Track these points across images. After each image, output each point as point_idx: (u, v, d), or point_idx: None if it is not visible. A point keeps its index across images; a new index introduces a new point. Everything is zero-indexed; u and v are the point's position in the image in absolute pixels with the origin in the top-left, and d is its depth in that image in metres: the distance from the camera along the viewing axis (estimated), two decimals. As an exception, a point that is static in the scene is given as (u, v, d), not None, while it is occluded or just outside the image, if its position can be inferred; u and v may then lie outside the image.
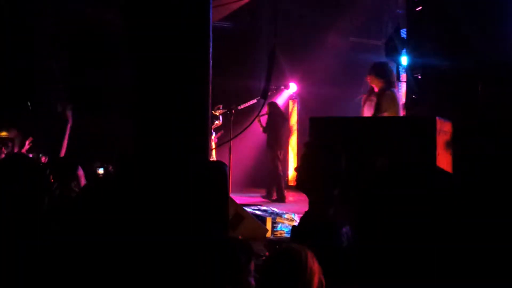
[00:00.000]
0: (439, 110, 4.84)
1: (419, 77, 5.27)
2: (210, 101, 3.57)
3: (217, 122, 9.16)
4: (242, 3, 8.78)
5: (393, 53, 5.59)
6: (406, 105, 5.53)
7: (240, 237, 6.19)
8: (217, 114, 9.12)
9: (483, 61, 4.89)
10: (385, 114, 5.74)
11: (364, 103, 6.05)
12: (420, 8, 5.43)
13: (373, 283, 3.25)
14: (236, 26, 11.77)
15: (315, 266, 2.67)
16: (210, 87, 3.57)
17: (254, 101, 8.99)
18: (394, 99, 5.75)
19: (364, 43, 11.47)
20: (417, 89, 5.32)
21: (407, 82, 5.50)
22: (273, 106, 9.82)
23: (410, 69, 5.46)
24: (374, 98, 5.83)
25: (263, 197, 9.82)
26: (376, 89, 5.90)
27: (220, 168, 3.39)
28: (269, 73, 5.72)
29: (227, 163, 8.87)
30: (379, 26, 11.07)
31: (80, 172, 4.63)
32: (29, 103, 9.41)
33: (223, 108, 9.12)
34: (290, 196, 9.87)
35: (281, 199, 9.60)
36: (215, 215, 3.25)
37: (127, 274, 3.19)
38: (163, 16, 3.46)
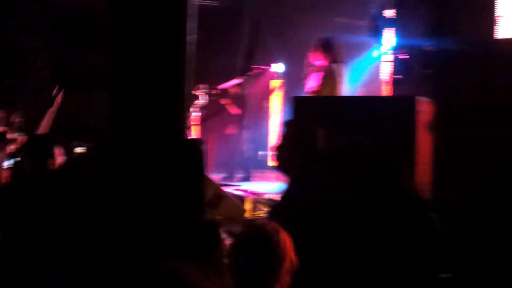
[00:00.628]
0: (424, 91, 4.81)
1: (406, 57, 5.23)
2: (185, 80, 3.52)
3: (202, 101, 9.07)
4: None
5: (376, 33, 5.54)
6: (392, 85, 5.50)
7: (218, 217, 6.19)
8: (197, 94, 9.03)
9: (467, 41, 4.86)
10: (322, 88, 5.87)
11: (309, 77, 6.17)
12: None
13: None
14: (222, 5, 11.64)
15: (287, 245, 2.62)
16: (185, 68, 3.53)
17: (240, 80, 8.90)
18: (333, 74, 5.87)
19: (349, 24, 11.40)
20: (402, 69, 5.28)
21: (394, 62, 5.46)
22: (242, 86, 9.67)
23: (396, 49, 5.41)
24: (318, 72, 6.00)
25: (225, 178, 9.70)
26: (319, 64, 6.03)
27: (196, 146, 3.34)
28: (250, 51, 5.68)
29: (208, 143, 8.85)
30: (364, 6, 11.01)
31: (57, 151, 4.56)
32: (8, 82, 9.28)
33: (205, 88, 9.03)
34: (270, 175, 9.82)
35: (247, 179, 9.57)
36: (189, 193, 3.21)
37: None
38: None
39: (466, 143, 4.67)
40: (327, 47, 6.26)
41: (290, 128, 3.53)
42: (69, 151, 5.23)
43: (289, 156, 3.49)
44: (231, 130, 9.65)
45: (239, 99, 9.55)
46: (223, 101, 9.28)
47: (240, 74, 8.85)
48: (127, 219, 3.16)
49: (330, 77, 5.97)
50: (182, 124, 3.51)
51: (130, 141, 3.28)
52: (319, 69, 6.15)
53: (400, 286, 3.05)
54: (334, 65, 6.09)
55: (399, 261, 3.08)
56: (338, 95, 5.97)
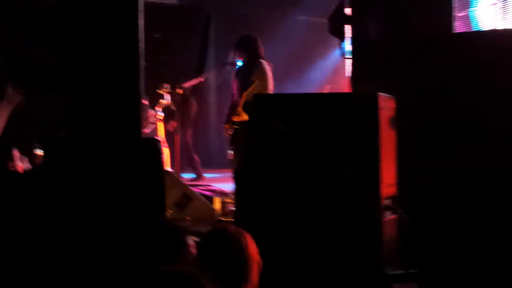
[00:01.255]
0: (384, 87, 4.84)
1: (363, 53, 5.26)
2: (140, 81, 3.47)
3: (163, 101, 9.00)
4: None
5: (336, 29, 5.56)
6: (351, 82, 5.53)
7: (187, 217, 6.15)
8: (162, 93, 8.96)
9: (424, 35, 4.90)
10: (258, 87, 5.94)
11: (235, 77, 6.27)
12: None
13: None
14: (183, 3, 11.58)
15: (252, 247, 2.62)
16: (140, 67, 3.48)
17: (201, 79, 8.85)
18: (263, 69, 5.98)
19: (313, 21, 11.44)
20: (361, 65, 5.31)
21: (352, 58, 5.48)
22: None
23: (354, 45, 5.44)
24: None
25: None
26: (242, 62, 6.12)
27: (152, 146, 3.30)
28: (203, 48, 5.67)
29: (173, 143, 8.80)
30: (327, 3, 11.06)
31: (16, 153, 4.49)
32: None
33: (169, 87, 8.96)
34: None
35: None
36: (148, 194, 3.18)
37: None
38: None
39: (428, 138, 4.72)
40: (247, 44, 6.35)
41: (243, 128, 3.53)
42: (29, 153, 5.16)
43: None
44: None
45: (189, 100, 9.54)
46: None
47: (199, 72, 8.82)
48: (83, 224, 3.12)
49: (263, 73, 6.10)
50: (137, 124, 3.47)
51: (84, 143, 3.24)
52: (246, 66, 6.28)
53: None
54: (262, 61, 6.19)
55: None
56: (270, 91, 6.10)
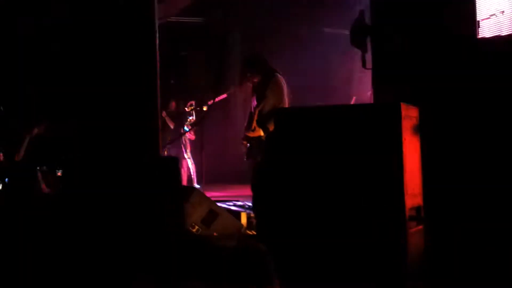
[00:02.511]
0: (406, 96, 4.79)
1: (385, 63, 5.22)
2: (158, 100, 3.51)
3: (190, 118, 9.07)
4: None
5: (358, 40, 5.54)
6: (374, 92, 5.49)
7: (214, 233, 6.16)
8: (189, 110, 9.04)
9: (448, 43, 4.86)
10: (270, 101, 6.00)
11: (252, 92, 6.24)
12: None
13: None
14: (208, 21, 11.68)
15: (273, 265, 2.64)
16: (158, 86, 3.52)
17: (224, 95, 8.91)
18: (276, 83, 5.94)
19: (337, 33, 11.43)
20: (383, 75, 5.27)
21: (374, 68, 5.45)
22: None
23: (375, 56, 5.41)
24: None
25: None
26: (255, 81, 6.24)
27: (170, 164, 3.33)
28: (220, 65, 5.72)
29: (200, 158, 8.86)
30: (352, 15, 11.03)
31: (40, 175, 4.56)
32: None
33: (195, 104, 9.04)
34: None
35: None
36: (166, 210, 3.20)
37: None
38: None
39: (454, 146, 4.66)
40: (257, 62, 6.39)
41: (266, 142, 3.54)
42: (51, 175, 5.23)
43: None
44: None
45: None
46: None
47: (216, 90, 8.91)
48: (105, 239, 3.16)
49: (275, 89, 6.11)
50: (156, 144, 3.50)
51: (104, 163, 3.28)
52: (260, 83, 6.28)
53: None
54: (276, 75, 6.21)
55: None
56: (284, 105, 6.11)
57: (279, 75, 6.32)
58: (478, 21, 5.11)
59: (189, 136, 9.43)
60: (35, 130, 5.67)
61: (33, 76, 4.89)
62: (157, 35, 3.59)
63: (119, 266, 3.21)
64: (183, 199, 3.61)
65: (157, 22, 3.55)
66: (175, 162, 3.41)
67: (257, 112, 6.15)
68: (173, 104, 9.84)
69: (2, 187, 4.59)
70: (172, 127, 9.81)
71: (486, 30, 4.93)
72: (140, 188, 3.18)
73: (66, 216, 3.20)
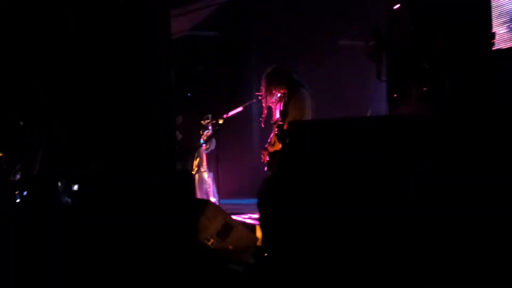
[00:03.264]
0: (420, 109, 4.78)
1: (400, 76, 5.22)
2: (172, 114, 3.55)
3: (206, 132, 9.11)
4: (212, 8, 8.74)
5: (373, 53, 5.54)
6: (388, 105, 5.48)
7: (230, 246, 6.16)
8: (205, 124, 9.08)
9: (462, 57, 4.83)
10: (291, 116, 6.06)
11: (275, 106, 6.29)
12: (398, 6, 5.37)
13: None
14: (224, 35, 11.75)
15: None
16: (174, 100, 3.56)
17: (240, 108, 8.92)
18: (300, 97, 5.95)
19: (354, 46, 11.42)
20: (398, 88, 5.26)
21: (389, 81, 5.44)
22: None
23: (390, 68, 5.40)
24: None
25: None
26: (280, 95, 6.28)
27: (184, 176, 3.35)
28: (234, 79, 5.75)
29: (215, 171, 8.86)
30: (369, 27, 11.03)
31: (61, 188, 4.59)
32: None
33: (212, 117, 9.08)
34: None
35: None
36: (179, 223, 3.22)
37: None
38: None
39: (463, 160, 4.61)
40: (280, 76, 6.41)
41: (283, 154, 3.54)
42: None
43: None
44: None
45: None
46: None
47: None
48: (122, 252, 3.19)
49: (297, 105, 6.12)
50: (172, 157, 3.53)
51: (120, 176, 3.31)
52: (284, 97, 6.30)
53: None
54: (301, 89, 6.21)
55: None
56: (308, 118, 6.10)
57: (303, 90, 6.32)
58: (494, 33, 5.10)
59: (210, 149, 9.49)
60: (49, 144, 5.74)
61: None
62: (172, 50, 3.63)
63: (130, 279, 3.23)
64: (196, 212, 3.62)
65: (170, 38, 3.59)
66: (189, 175, 3.43)
67: (275, 126, 6.18)
68: (180, 118, 9.88)
69: (21, 200, 4.64)
70: (178, 139, 9.86)
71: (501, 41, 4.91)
72: (154, 201, 3.20)
73: (81, 228, 3.24)
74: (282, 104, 6.34)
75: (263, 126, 6.68)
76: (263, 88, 6.51)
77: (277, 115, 6.45)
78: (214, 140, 9.52)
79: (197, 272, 3.15)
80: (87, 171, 3.74)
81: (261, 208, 4.40)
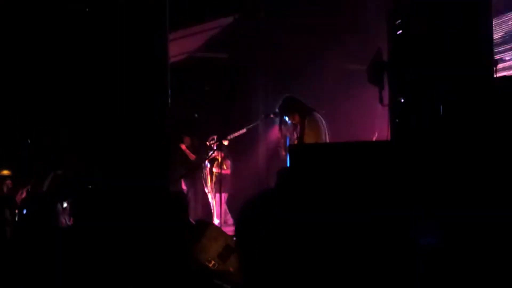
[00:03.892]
0: (422, 134, 4.79)
1: (402, 100, 5.22)
2: (167, 136, 3.56)
3: (211, 152, 9.14)
4: (216, 31, 8.86)
5: (375, 77, 5.57)
6: (391, 128, 5.48)
7: (231, 268, 6.15)
8: (209, 144, 9.12)
9: (463, 82, 4.84)
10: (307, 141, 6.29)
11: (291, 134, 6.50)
12: (401, 32, 5.40)
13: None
14: (231, 56, 11.84)
15: None
16: (169, 121, 3.58)
17: (244, 130, 8.96)
18: (311, 125, 6.09)
19: (362, 69, 11.44)
20: (400, 112, 5.27)
21: (389, 105, 5.46)
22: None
23: (392, 93, 5.42)
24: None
25: None
26: (294, 122, 6.59)
27: (178, 198, 3.36)
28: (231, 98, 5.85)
29: (219, 193, 8.87)
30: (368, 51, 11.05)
31: (59, 208, 4.63)
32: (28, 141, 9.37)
33: (216, 139, 9.12)
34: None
35: None
36: (170, 245, 3.22)
37: None
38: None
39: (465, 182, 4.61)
40: (291, 105, 6.75)
41: (277, 178, 3.55)
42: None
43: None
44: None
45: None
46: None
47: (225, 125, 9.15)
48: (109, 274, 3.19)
49: (310, 128, 6.29)
50: (164, 177, 3.55)
51: (110, 199, 3.33)
52: (299, 122, 6.53)
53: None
54: (315, 113, 6.39)
55: None
56: (324, 140, 6.27)
57: (316, 114, 6.59)
58: (496, 60, 5.11)
59: (224, 171, 9.53)
60: (59, 171, 5.81)
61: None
62: (169, 72, 3.67)
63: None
64: (197, 234, 3.63)
65: (169, 61, 3.63)
66: (182, 197, 3.44)
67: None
68: (187, 139, 9.96)
69: (20, 218, 4.68)
70: (193, 159, 9.91)
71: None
72: (146, 222, 3.22)
73: (75, 250, 3.25)
74: (297, 130, 6.57)
75: (284, 154, 6.87)
76: (278, 119, 6.85)
77: (294, 140, 6.68)
78: (229, 162, 9.57)
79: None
80: (82, 191, 3.76)
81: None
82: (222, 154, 9.31)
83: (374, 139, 9.82)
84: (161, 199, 3.34)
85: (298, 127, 6.66)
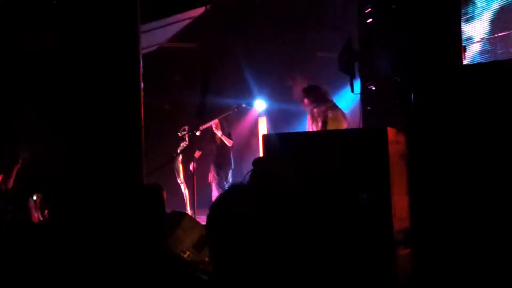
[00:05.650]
0: (393, 121, 4.85)
1: (373, 88, 5.29)
2: (142, 127, 3.56)
3: (182, 143, 9.12)
4: (188, 21, 8.82)
5: (346, 66, 5.62)
6: (362, 117, 5.56)
7: (205, 258, 6.16)
8: (182, 135, 9.09)
9: (432, 71, 4.91)
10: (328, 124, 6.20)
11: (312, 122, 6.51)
12: (371, 20, 5.45)
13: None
14: (202, 46, 11.79)
15: None
16: (142, 112, 3.57)
17: (215, 121, 8.96)
18: (334, 116, 6.23)
19: (333, 58, 11.50)
20: (371, 100, 5.33)
21: (361, 94, 5.52)
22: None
23: (363, 81, 5.48)
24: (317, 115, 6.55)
25: None
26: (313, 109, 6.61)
27: (155, 191, 3.36)
28: (204, 89, 5.83)
29: (192, 184, 8.86)
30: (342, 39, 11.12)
31: (31, 204, 4.60)
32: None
33: (188, 130, 9.09)
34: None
35: None
36: (149, 238, 3.22)
37: None
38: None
39: (439, 172, 4.69)
40: (312, 92, 6.98)
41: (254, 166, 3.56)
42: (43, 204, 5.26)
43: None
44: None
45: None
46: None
47: (197, 113, 9.13)
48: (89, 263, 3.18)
49: (332, 119, 6.38)
50: (139, 171, 3.54)
51: (86, 192, 3.32)
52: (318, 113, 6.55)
53: None
54: (336, 108, 6.51)
55: None
56: None
57: (339, 109, 6.68)
58: (464, 46, 5.18)
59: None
60: (20, 159, 5.72)
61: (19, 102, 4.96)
62: (141, 64, 3.65)
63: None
64: (172, 224, 3.63)
65: (141, 52, 3.62)
66: (159, 189, 3.44)
67: None
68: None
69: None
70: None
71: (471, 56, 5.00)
72: (123, 217, 3.20)
73: (50, 245, 3.22)
74: (320, 119, 6.62)
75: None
76: (306, 101, 6.92)
77: (311, 128, 6.73)
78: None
79: (164, 281, 3.15)
80: (56, 186, 3.73)
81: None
82: (185, 144, 9.25)
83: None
84: (135, 192, 3.34)
85: (319, 119, 6.71)
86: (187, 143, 9.12)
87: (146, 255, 3.24)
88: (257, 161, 3.97)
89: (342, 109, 6.88)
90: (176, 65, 11.79)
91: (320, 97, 6.91)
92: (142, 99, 3.68)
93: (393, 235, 4.22)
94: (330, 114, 6.62)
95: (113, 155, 3.50)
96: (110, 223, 3.27)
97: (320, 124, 6.61)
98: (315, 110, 6.82)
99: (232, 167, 9.49)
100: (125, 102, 3.54)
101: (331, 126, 6.50)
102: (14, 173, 5.51)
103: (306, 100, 6.98)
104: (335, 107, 6.79)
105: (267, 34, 11.42)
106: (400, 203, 4.41)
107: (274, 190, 3.66)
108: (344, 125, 6.55)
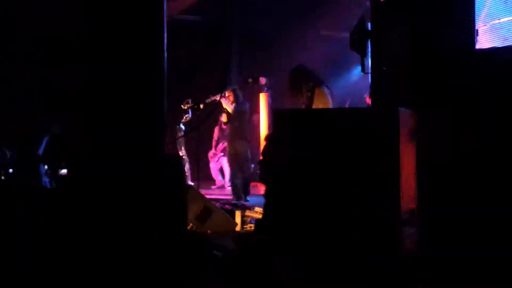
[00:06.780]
0: (404, 102, 4.85)
1: (384, 68, 5.28)
2: (164, 98, 3.56)
3: (186, 116, 9.10)
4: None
5: (357, 45, 5.60)
6: (371, 97, 5.55)
7: (208, 231, 6.20)
8: (185, 108, 9.07)
9: (446, 51, 4.91)
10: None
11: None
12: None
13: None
14: (207, 19, 11.73)
15: None
16: (165, 84, 3.56)
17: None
18: (320, 97, 6.36)
19: (336, 36, 11.48)
20: (382, 80, 5.33)
21: (373, 73, 5.50)
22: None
23: (374, 61, 5.46)
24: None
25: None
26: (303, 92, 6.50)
27: (175, 163, 3.36)
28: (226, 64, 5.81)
29: (195, 156, 8.88)
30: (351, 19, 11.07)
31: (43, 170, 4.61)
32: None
33: (192, 102, 9.06)
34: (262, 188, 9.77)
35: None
36: (170, 210, 3.23)
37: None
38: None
39: (449, 153, 4.72)
40: (300, 74, 6.69)
41: (268, 141, 3.59)
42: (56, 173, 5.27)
43: (268, 169, 3.57)
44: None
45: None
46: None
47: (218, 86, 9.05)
48: (107, 238, 3.19)
49: (319, 100, 6.30)
50: (161, 141, 3.54)
51: (107, 160, 3.31)
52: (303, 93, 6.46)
53: None
54: (322, 87, 6.41)
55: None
56: None
57: (325, 87, 6.57)
58: (477, 30, 5.17)
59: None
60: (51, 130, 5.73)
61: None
62: (165, 33, 3.64)
63: (122, 269, 3.23)
64: (184, 199, 3.65)
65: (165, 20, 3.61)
66: (180, 160, 3.45)
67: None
68: None
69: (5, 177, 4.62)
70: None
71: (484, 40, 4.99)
72: (149, 188, 3.20)
73: (65, 214, 3.22)
74: (305, 101, 6.55)
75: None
76: (289, 85, 6.75)
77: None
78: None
79: (181, 257, 3.17)
80: (76, 156, 3.72)
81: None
82: (188, 117, 9.22)
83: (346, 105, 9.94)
84: (158, 163, 3.34)
85: (305, 98, 6.62)
86: (190, 116, 9.10)
87: (169, 233, 3.25)
88: (267, 137, 3.98)
89: (329, 86, 6.76)
90: (180, 38, 11.73)
91: (301, 76, 6.78)
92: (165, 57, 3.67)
93: (400, 215, 4.25)
94: (316, 93, 6.56)
95: (136, 125, 3.49)
96: (129, 194, 3.27)
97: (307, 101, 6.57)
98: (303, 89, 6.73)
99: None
100: (149, 76, 3.52)
101: (316, 102, 6.45)
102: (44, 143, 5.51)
103: (289, 82, 6.87)
104: (320, 84, 6.69)
105: (272, 10, 11.38)
106: (407, 183, 4.44)
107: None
108: (329, 102, 6.49)
